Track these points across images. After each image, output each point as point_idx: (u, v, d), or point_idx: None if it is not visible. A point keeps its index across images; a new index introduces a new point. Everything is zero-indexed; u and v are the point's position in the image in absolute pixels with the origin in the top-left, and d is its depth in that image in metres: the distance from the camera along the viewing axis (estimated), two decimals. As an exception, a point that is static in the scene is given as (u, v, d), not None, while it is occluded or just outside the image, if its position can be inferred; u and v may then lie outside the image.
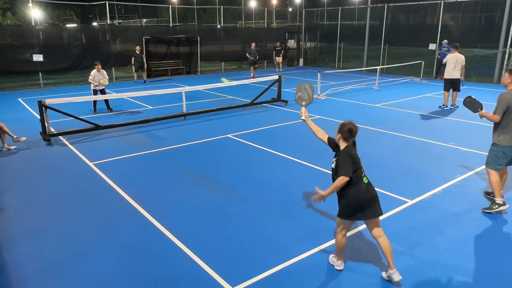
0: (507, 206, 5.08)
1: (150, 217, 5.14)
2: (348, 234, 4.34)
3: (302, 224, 4.92)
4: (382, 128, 9.44)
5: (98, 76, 11.13)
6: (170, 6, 23.76)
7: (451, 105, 11.70)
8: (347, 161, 3.58)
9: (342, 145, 3.71)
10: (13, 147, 8.15)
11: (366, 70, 20.43)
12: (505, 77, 5.00)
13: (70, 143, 8.53)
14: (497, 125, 5.02)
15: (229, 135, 9.01)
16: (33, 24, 17.41)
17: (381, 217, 4.98)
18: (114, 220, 5.12)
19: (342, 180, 3.54)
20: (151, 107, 12.36)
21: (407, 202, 5.50)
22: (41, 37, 16.98)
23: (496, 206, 5.07)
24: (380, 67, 17.77)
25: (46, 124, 8.59)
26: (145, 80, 18.03)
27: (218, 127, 9.81)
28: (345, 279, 3.86)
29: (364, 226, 4.61)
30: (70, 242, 4.59)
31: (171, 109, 11.77)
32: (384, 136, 8.84)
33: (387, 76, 19.31)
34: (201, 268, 4.03)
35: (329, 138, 4.00)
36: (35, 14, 20.51)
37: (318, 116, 10.75)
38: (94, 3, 20.11)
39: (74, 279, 3.90)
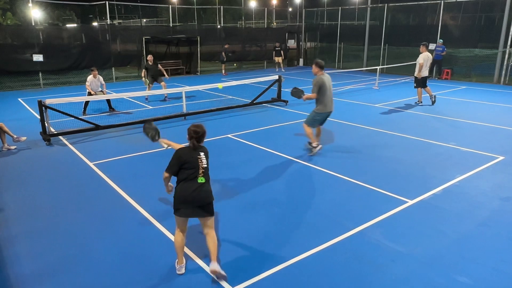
0: (320, 146, 7.43)
1: (150, 217, 5.15)
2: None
3: (303, 224, 4.92)
4: (382, 128, 9.44)
5: (95, 82, 11.12)
6: (170, 6, 23.73)
7: (419, 100, 12.39)
8: (172, 160, 3.90)
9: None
10: (13, 147, 8.15)
11: (366, 70, 20.42)
12: (313, 67, 7.10)
13: (70, 143, 8.53)
14: (316, 100, 7.10)
15: (229, 135, 9.01)
16: (33, 24, 17.41)
17: (381, 217, 5.03)
18: (114, 220, 5.12)
19: (164, 174, 3.94)
20: (151, 107, 12.36)
21: (407, 202, 5.50)
22: (41, 37, 16.98)
23: (312, 147, 7.34)
24: (380, 67, 17.75)
25: (46, 124, 8.59)
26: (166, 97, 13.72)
27: (218, 127, 9.81)
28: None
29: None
30: (70, 242, 4.59)
31: (171, 109, 11.77)
32: (384, 136, 8.84)
33: (387, 76, 19.32)
34: (201, 268, 4.03)
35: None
36: (35, 14, 20.52)
37: (318, 116, 10.74)
38: (94, 3, 20.11)
39: (74, 279, 3.90)
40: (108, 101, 11.77)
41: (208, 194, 3.89)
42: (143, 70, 13.11)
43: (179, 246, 3.95)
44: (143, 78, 13.06)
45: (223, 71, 20.93)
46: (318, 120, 7.26)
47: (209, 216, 3.89)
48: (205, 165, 3.88)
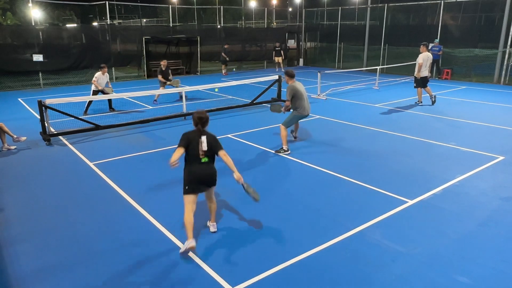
0: (289, 152, 7.64)
1: (150, 217, 5.15)
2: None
3: (302, 224, 4.92)
4: (382, 128, 9.45)
5: (102, 78, 11.18)
6: (170, 6, 23.74)
7: (423, 99, 12.40)
8: (181, 139, 4.29)
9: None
10: (13, 147, 8.15)
11: (366, 70, 20.41)
12: (285, 77, 7.74)
13: (70, 143, 8.53)
14: (294, 105, 7.63)
15: (229, 135, 9.01)
16: (33, 24, 17.40)
17: (381, 217, 5.04)
18: (114, 219, 5.12)
19: (176, 150, 4.22)
20: (151, 107, 12.36)
21: (407, 202, 5.50)
22: (41, 37, 16.96)
23: (283, 151, 7.64)
24: (380, 67, 17.74)
25: (46, 124, 8.59)
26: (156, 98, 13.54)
27: (218, 127, 9.80)
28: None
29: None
30: (70, 241, 4.59)
31: (171, 109, 11.77)
32: (384, 136, 8.84)
33: (387, 76, 19.31)
34: (201, 268, 4.03)
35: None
36: (35, 14, 20.50)
37: (318, 116, 10.75)
38: (94, 3, 20.12)
39: (74, 278, 3.90)
40: (109, 101, 11.79)
41: (212, 175, 4.39)
42: (159, 75, 12.83)
43: (188, 223, 4.23)
44: (167, 83, 12.82)
45: (223, 71, 20.94)
46: (294, 121, 7.94)
47: (212, 187, 4.47)
48: (205, 149, 4.25)
